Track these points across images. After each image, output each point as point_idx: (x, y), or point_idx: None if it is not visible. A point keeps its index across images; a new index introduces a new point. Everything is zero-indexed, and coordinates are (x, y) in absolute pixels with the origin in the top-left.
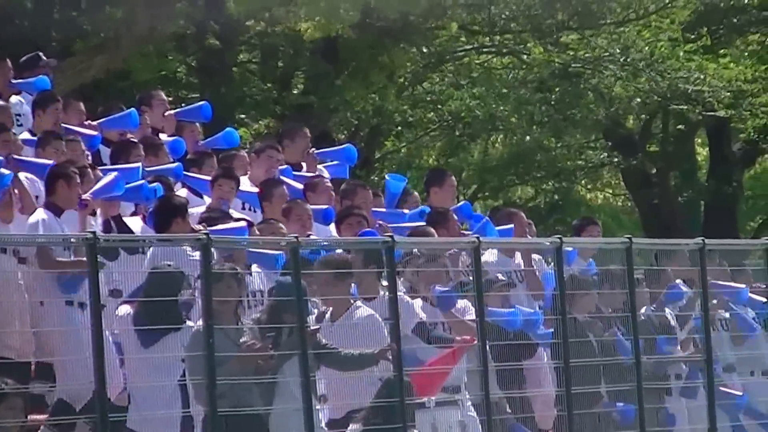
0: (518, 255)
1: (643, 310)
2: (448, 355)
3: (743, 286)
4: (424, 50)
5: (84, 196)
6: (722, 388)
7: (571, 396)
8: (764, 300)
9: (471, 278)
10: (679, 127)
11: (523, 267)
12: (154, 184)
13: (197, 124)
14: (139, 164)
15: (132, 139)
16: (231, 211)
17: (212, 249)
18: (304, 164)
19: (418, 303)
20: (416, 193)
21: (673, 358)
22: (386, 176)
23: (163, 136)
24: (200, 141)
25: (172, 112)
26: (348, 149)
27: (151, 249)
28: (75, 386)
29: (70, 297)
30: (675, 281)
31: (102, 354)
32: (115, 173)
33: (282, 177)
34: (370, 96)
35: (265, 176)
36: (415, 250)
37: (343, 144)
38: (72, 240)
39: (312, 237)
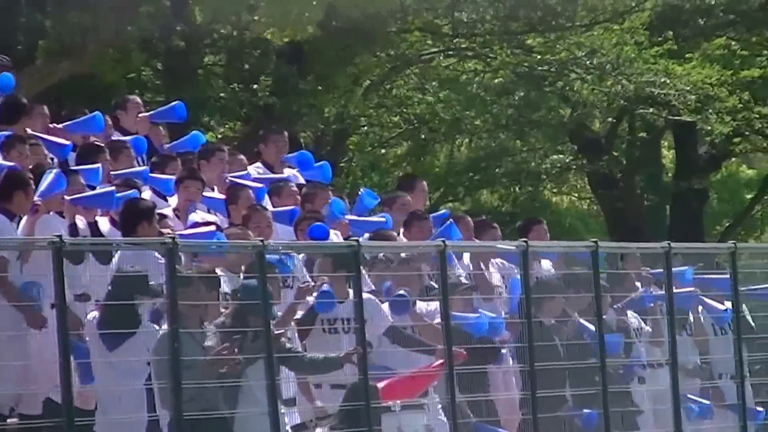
0: (466, 257)
1: (606, 315)
2: (429, 374)
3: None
4: (390, 53)
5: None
6: (689, 395)
7: (536, 399)
8: (722, 307)
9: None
10: (642, 134)
11: (472, 270)
12: (131, 191)
13: (161, 128)
14: (99, 165)
15: (97, 143)
16: (198, 212)
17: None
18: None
19: (387, 306)
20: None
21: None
22: (362, 190)
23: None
24: (165, 144)
25: (146, 114)
26: (323, 168)
27: (117, 253)
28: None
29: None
30: (639, 286)
31: (68, 358)
32: (55, 170)
33: (242, 180)
34: (336, 99)
35: (217, 180)
36: (381, 255)
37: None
38: (37, 243)
39: (277, 241)
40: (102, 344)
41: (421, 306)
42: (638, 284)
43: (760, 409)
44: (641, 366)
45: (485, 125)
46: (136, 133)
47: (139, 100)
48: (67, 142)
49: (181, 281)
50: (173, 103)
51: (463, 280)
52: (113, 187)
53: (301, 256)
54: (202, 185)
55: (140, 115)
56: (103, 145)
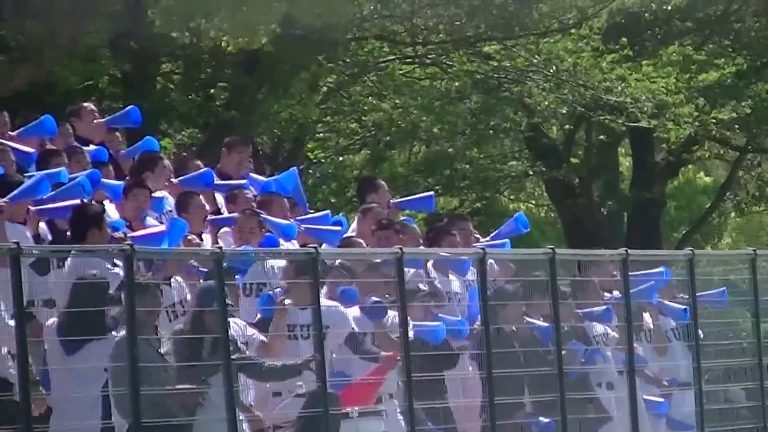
0: (429, 264)
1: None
2: (376, 371)
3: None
4: (347, 61)
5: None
6: (645, 396)
7: (495, 406)
8: (682, 307)
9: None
10: (602, 137)
11: (424, 278)
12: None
13: (117, 134)
14: (63, 168)
15: (53, 148)
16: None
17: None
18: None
19: (353, 312)
20: None
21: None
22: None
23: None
24: (122, 150)
25: (102, 120)
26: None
27: (69, 259)
28: None
29: None
30: (602, 293)
31: (27, 364)
32: (38, 174)
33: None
34: (292, 107)
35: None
36: (337, 261)
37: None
38: None
39: (237, 248)
40: (61, 349)
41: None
42: (606, 294)
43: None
44: (613, 372)
45: (442, 131)
46: (93, 140)
47: (93, 106)
48: (31, 150)
49: (139, 288)
50: (128, 108)
51: (422, 287)
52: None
53: (273, 263)
54: (149, 193)
55: (95, 121)
56: (60, 150)
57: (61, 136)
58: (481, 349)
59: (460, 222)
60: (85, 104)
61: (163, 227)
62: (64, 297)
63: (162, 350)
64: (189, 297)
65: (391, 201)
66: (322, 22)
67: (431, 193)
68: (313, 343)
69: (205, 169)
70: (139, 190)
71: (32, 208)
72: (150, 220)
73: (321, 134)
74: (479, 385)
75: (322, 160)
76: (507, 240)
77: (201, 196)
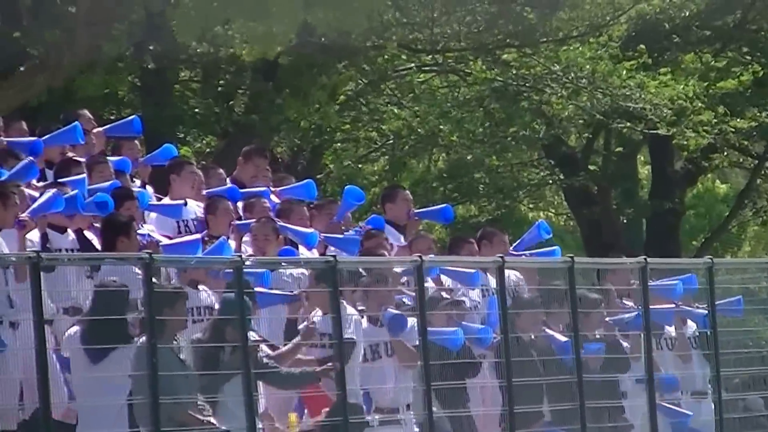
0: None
1: (598, 331)
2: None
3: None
4: (366, 69)
5: (22, 216)
6: (668, 405)
7: (514, 415)
8: (704, 312)
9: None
10: (619, 149)
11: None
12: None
13: (136, 142)
14: (84, 175)
15: (75, 158)
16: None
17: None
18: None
19: (363, 323)
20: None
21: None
22: (347, 187)
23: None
24: (140, 158)
25: (101, 129)
26: (308, 185)
27: (101, 267)
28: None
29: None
30: (621, 301)
31: (46, 372)
32: (53, 190)
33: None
34: (311, 114)
35: (190, 193)
36: (360, 269)
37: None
38: (13, 258)
39: (258, 257)
40: (85, 357)
41: None
42: (626, 302)
43: None
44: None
45: (461, 139)
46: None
47: (89, 114)
48: (34, 138)
49: (166, 297)
50: (129, 117)
51: (445, 295)
52: (76, 191)
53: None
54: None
55: (95, 130)
56: (80, 159)
57: (84, 145)
58: (500, 357)
59: (496, 234)
60: (80, 112)
61: (197, 236)
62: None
63: (181, 356)
64: (215, 304)
65: (413, 211)
66: (340, 31)
67: (448, 205)
68: (334, 352)
69: (230, 185)
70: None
71: (23, 215)
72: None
73: (339, 143)
74: (498, 393)
75: (342, 167)
76: (557, 247)
77: (229, 201)
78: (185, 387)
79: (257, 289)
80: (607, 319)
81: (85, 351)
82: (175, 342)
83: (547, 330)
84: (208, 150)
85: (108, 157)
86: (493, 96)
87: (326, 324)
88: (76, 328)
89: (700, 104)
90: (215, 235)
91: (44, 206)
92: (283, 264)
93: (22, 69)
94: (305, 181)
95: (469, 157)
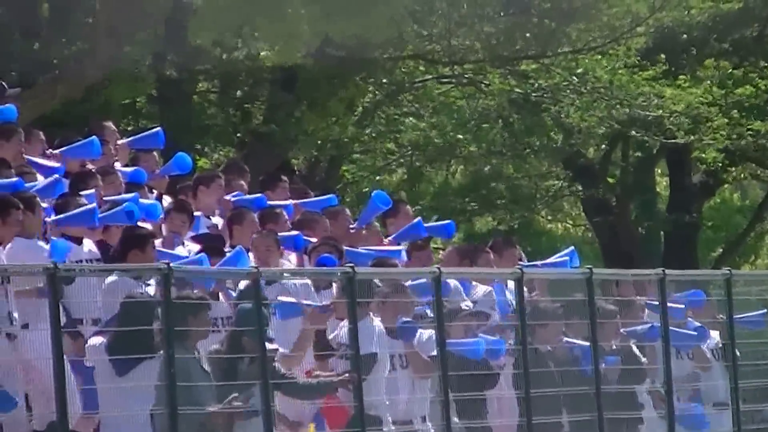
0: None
1: (614, 342)
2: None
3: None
4: (383, 81)
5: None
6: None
7: (532, 426)
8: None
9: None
10: (638, 154)
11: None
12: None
13: (154, 153)
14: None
15: (91, 169)
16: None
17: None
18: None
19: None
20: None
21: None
22: (374, 192)
23: (118, 166)
24: (158, 170)
25: (125, 141)
26: (330, 200)
27: (107, 278)
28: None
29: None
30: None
31: (63, 382)
32: (91, 205)
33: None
34: (330, 125)
35: (218, 205)
36: (376, 280)
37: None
38: (30, 270)
39: (275, 269)
40: (111, 369)
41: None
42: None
43: None
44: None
45: (479, 150)
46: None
47: (113, 126)
48: (58, 164)
49: (190, 307)
50: (153, 129)
51: (464, 306)
52: (93, 204)
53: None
54: (189, 218)
55: (119, 142)
56: (95, 171)
57: (102, 156)
58: (518, 368)
59: (507, 247)
60: (105, 123)
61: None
62: (108, 316)
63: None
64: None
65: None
66: (359, 42)
67: (452, 221)
68: (350, 362)
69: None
70: (177, 215)
71: (49, 221)
72: (187, 247)
73: (357, 154)
74: (515, 404)
75: (358, 179)
76: (572, 248)
77: (254, 213)
78: (209, 397)
79: (281, 298)
80: (621, 330)
81: (111, 362)
82: (196, 352)
83: (566, 339)
84: (225, 161)
85: (123, 168)
86: (512, 107)
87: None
88: (100, 339)
89: (716, 110)
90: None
91: (76, 218)
92: (285, 275)
93: (40, 80)
94: (328, 195)
95: (486, 169)
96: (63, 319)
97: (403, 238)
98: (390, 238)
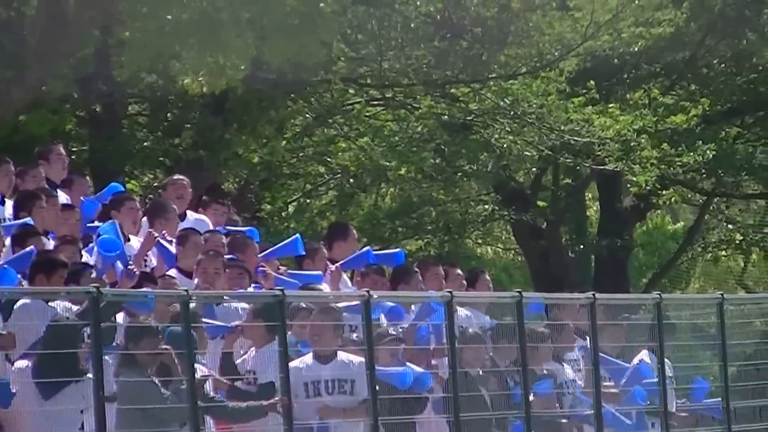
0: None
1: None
2: None
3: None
4: (313, 102)
5: None
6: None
7: None
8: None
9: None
10: (568, 181)
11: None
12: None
13: (87, 178)
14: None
15: (32, 191)
16: None
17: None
18: None
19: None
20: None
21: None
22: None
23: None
24: (89, 196)
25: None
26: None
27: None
28: None
29: None
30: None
31: None
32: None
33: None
34: (260, 149)
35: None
36: (302, 303)
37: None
38: None
39: (205, 291)
40: (37, 392)
41: (342, 357)
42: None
43: None
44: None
45: (409, 174)
46: (61, 183)
47: (62, 150)
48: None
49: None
50: (294, 236)
51: (391, 331)
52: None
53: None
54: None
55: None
56: (38, 192)
57: (32, 178)
58: (448, 392)
59: (431, 266)
60: (55, 147)
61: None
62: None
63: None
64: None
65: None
66: (292, 64)
67: (401, 251)
68: (281, 385)
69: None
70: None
71: None
72: None
73: (287, 178)
74: (445, 428)
75: (287, 202)
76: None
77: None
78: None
79: (205, 320)
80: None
81: (36, 385)
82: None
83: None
84: (155, 184)
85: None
86: (443, 130)
87: (257, 361)
88: (25, 362)
89: (646, 138)
90: (183, 269)
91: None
92: (225, 297)
93: None
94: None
95: (415, 198)
96: None
97: (351, 266)
98: (337, 265)
